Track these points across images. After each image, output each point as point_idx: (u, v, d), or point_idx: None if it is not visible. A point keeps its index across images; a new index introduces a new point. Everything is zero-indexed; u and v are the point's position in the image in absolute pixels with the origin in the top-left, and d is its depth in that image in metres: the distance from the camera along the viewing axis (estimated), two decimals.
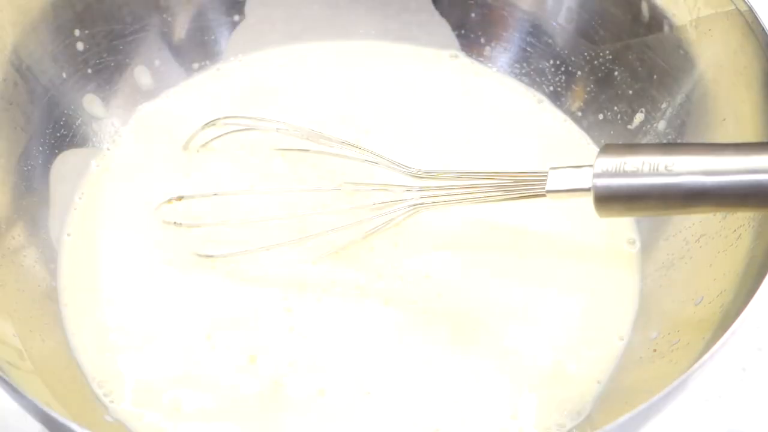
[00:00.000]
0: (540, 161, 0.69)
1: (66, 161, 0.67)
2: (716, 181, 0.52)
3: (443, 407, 0.59)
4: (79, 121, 0.69)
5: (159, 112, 0.72)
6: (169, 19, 0.73)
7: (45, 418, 0.50)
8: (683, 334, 0.58)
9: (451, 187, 0.62)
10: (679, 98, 0.66)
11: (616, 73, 0.70)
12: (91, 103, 0.70)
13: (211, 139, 0.69)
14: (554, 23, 0.72)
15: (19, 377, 0.52)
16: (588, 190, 0.55)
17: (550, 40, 0.73)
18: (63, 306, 0.63)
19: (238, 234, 0.64)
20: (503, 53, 0.74)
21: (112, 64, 0.70)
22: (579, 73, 0.72)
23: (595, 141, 0.71)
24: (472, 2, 0.74)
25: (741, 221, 0.58)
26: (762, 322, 0.68)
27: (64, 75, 0.68)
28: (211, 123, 0.69)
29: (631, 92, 0.69)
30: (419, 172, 0.64)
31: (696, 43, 0.64)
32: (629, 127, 0.69)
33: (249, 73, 0.74)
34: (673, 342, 0.58)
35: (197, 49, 0.74)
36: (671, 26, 0.66)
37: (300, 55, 0.75)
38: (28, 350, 0.57)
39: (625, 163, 0.54)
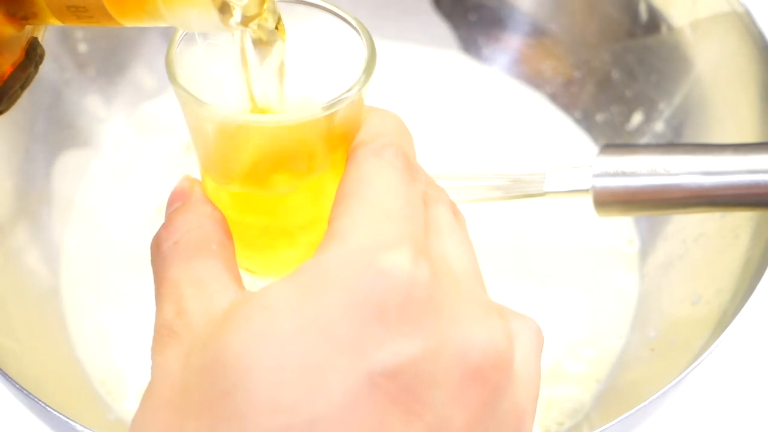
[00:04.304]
0: (539, 161, 0.69)
1: (67, 161, 0.67)
2: (715, 182, 0.52)
3: None
4: (80, 122, 0.69)
5: (161, 112, 0.72)
6: None
7: (47, 417, 0.50)
8: (681, 334, 0.58)
9: (451, 187, 0.62)
10: (677, 99, 0.66)
11: (614, 74, 0.70)
12: (92, 103, 0.70)
13: None
14: (553, 24, 0.72)
15: (19, 376, 0.52)
16: (587, 190, 0.56)
17: (549, 41, 0.73)
18: (65, 305, 0.63)
19: None
20: (503, 54, 0.74)
21: (114, 64, 0.71)
22: (577, 74, 0.72)
23: (594, 141, 0.71)
24: (472, 3, 0.75)
25: (739, 221, 0.59)
26: (760, 321, 0.68)
27: (66, 76, 0.68)
28: None
29: (629, 93, 0.69)
30: None
31: (694, 44, 0.65)
32: (628, 128, 0.69)
33: None
34: (672, 341, 0.58)
35: None
36: (669, 28, 0.66)
37: None
38: (28, 350, 0.57)
39: (624, 163, 0.55)
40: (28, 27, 0.37)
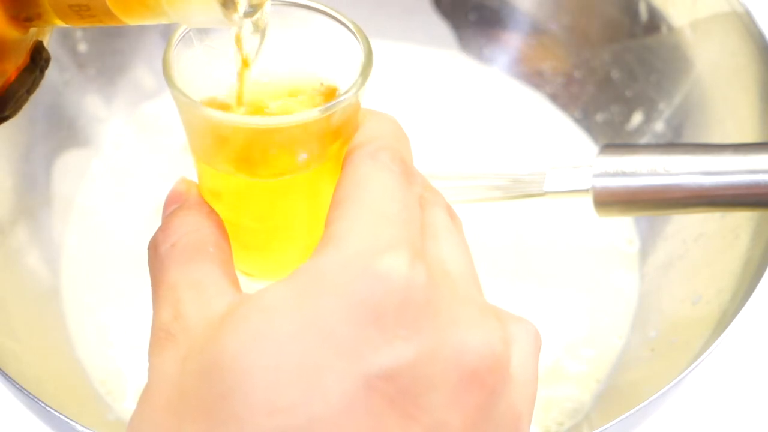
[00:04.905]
0: (539, 161, 0.69)
1: (67, 161, 0.68)
2: (715, 182, 0.53)
3: None
4: (80, 122, 0.69)
5: (160, 112, 0.72)
6: None
7: (47, 417, 0.50)
8: (681, 334, 0.58)
9: (450, 187, 0.63)
10: (677, 99, 0.66)
11: (614, 74, 0.70)
12: (92, 103, 0.70)
13: None
14: (553, 24, 0.72)
15: (19, 376, 0.52)
16: (587, 190, 0.56)
17: (549, 41, 0.73)
18: (65, 305, 0.63)
19: None
20: (503, 54, 0.74)
21: (114, 64, 0.71)
22: (577, 74, 0.72)
23: (594, 141, 0.71)
24: (472, 3, 0.75)
25: (739, 221, 0.59)
26: (760, 321, 0.68)
27: (66, 75, 0.68)
28: None
29: (629, 93, 0.69)
30: None
31: (694, 44, 0.65)
32: (628, 128, 0.69)
33: None
34: (672, 341, 0.58)
35: None
36: (669, 28, 0.66)
37: None
38: (28, 350, 0.57)
39: (624, 163, 0.55)
40: (33, 30, 0.37)
